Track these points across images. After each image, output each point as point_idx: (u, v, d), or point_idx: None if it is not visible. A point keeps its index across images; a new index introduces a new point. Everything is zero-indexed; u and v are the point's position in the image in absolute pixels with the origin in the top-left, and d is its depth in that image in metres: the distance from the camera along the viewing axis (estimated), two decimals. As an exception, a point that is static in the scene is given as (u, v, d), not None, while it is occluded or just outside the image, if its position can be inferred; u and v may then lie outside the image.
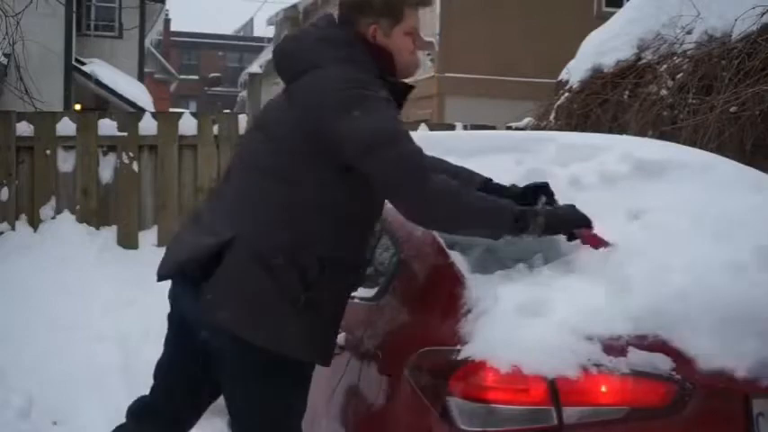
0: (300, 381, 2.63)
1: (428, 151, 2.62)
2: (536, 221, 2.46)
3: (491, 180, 2.76)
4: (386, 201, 2.66)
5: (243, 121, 6.76)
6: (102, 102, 16.72)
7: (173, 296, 2.76)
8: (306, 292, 2.50)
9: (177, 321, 2.76)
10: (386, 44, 2.65)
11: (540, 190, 2.66)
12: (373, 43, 2.63)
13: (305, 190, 2.52)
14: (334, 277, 2.57)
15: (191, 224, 2.78)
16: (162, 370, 2.84)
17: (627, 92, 6.36)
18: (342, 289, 2.64)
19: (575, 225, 2.52)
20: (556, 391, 2.09)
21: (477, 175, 2.78)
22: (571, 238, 2.51)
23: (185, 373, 2.75)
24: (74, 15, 15.43)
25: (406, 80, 2.73)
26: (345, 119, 2.44)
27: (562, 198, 2.66)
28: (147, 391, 2.86)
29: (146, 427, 2.82)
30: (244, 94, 37.67)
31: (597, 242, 2.46)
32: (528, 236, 2.47)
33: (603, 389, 2.10)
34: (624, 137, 4.41)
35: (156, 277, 2.71)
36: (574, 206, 2.56)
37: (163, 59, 36.96)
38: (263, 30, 45.96)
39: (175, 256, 2.67)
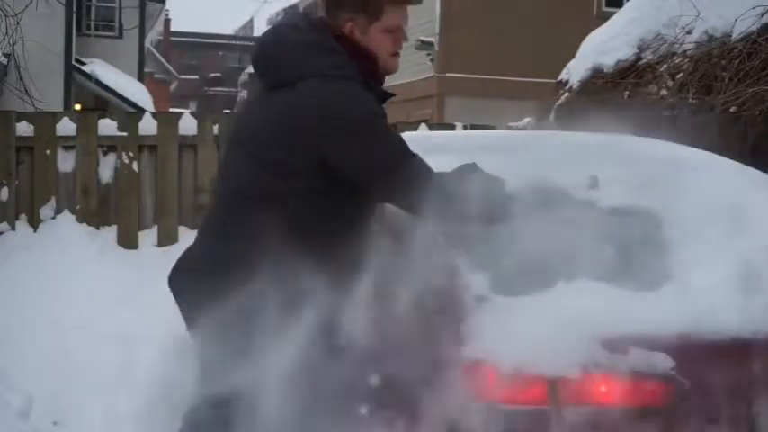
0: None
1: (428, 151, 2.62)
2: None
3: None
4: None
5: (243, 121, 6.76)
6: (102, 102, 16.71)
7: None
8: None
9: None
10: (365, 43, 2.57)
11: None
12: (356, 43, 2.56)
13: (284, 212, 2.46)
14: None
15: (194, 267, 2.72)
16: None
17: (627, 92, 6.35)
18: None
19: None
20: (556, 391, 2.09)
21: None
22: None
23: None
24: (74, 15, 15.43)
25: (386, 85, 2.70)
26: (357, 145, 2.42)
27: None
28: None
29: None
30: (244, 94, 37.69)
31: None
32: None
33: (603, 389, 2.10)
34: (625, 137, 4.41)
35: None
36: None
37: (163, 59, 36.94)
38: (263, 30, 45.85)
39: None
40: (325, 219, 2.50)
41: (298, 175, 2.46)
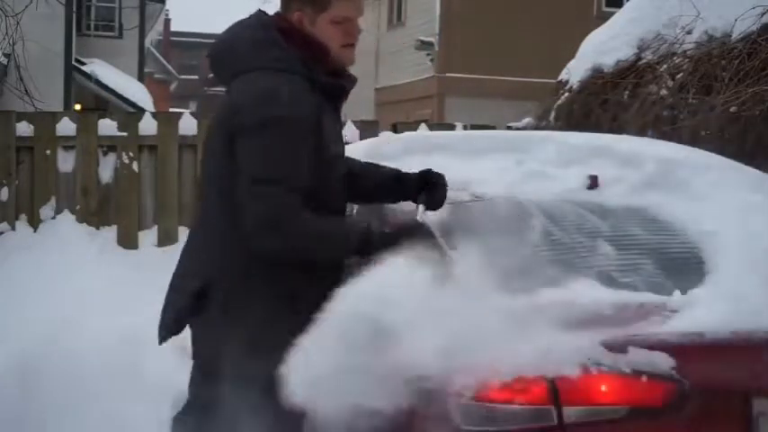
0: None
1: (428, 152, 2.62)
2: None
3: (400, 171, 2.77)
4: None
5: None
6: (102, 102, 16.72)
7: None
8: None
9: None
10: (314, 34, 2.55)
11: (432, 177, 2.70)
12: (305, 34, 2.55)
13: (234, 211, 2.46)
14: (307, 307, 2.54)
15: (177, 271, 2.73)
16: None
17: (627, 92, 6.35)
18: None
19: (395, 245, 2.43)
20: (556, 391, 2.09)
21: (386, 168, 2.80)
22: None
23: None
24: (74, 15, 15.42)
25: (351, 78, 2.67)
26: (251, 137, 2.41)
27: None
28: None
29: None
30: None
31: None
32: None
33: (603, 389, 2.10)
34: (625, 137, 4.41)
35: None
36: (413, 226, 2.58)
37: (163, 59, 36.96)
38: (263, 30, 45.74)
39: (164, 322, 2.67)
40: None
41: (233, 168, 2.47)
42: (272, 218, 2.38)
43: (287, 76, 2.47)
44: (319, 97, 2.52)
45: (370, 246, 2.46)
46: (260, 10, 2.68)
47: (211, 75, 2.70)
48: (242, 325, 2.44)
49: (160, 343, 2.68)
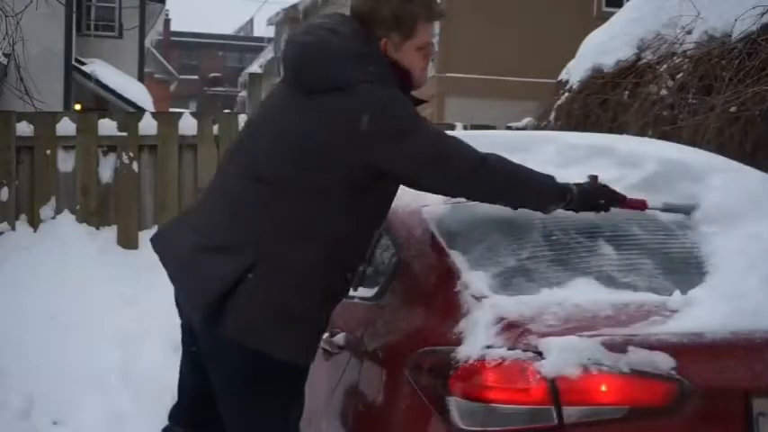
0: (302, 384, 2.64)
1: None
2: (573, 196, 2.60)
3: None
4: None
5: (243, 121, 6.75)
6: (102, 102, 16.71)
7: (179, 304, 2.76)
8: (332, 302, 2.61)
9: (187, 328, 2.76)
10: (397, 59, 2.59)
11: None
12: (390, 58, 2.59)
13: (333, 204, 2.51)
14: (351, 284, 2.68)
15: (195, 239, 2.62)
16: (181, 375, 2.87)
17: (627, 92, 6.35)
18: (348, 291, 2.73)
19: (605, 201, 2.65)
20: (556, 390, 2.09)
21: None
22: (601, 208, 2.66)
23: (198, 377, 2.73)
24: (74, 15, 15.43)
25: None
26: (404, 142, 2.47)
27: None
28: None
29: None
30: (244, 94, 37.72)
31: (640, 205, 2.71)
32: (566, 209, 2.61)
33: (603, 388, 2.11)
34: (625, 137, 4.42)
35: (175, 302, 2.74)
36: (604, 185, 2.69)
37: (163, 59, 36.97)
38: (263, 30, 46.00)
39: (200, 296, 2.52)
40: (361, 207, 2.56)
41: (343, 172, 2.50)
42: (475, 159, 2.55)
43: (394, 89, 2.55)
44: None
45: (566, 197, 2.61)
46: (342, 17, 2.66)
47: (302, 83, 2.59)
48: (283, 299, 2.48)
49: (203, 325, 2.56)
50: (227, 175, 2.71)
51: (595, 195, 2.65)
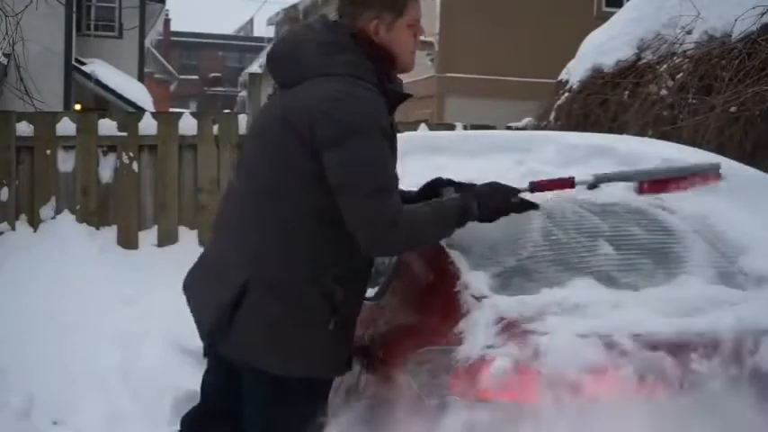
0: (323, 394, 2.63)
1: (428, 152, 2.62)
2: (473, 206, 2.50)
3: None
4: None
5: (243, 121, 6.75)
6: (102, 102, 16.71)
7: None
8: (334, 316, 2.50)
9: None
10: (387, 41, 2.54)
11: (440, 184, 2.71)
12: (375, 42, 2.53)
13: (309, 209, 2.45)
14: (353, 291, 2.58)
15: (205, 270, 2.66)
16: (203, 385, 2.85)
17: (627, 92, 6.36)
18: (359, 298, 2.66)
19: (507, 195, 2.55)
20: (556, 390, 2.09)
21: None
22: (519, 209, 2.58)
23: (220, 388, 2.76)
24: (74, 15, 15.42)
25: (403, 83, 2.67)
26: (339, 148, 2.37)
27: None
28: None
29: None
30: (244, 94, 37.69)
31: (560, 184, 2.66)
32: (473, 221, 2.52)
33: (603, 388, 2.11)
34: (625, 137, 4.42)
35: (185, 297, 2.71)
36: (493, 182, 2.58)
37: (163, 59, 36.95)
38: (263, 30, 45.98)
39: (205, 324, 2.59)
40: (334, 215, 2.46)
41: (305, 170, 2.44)
42: (389, 221, 2.39)
43: (359, 82, 2.45)
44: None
45: (470, 215, 2.50)
46: (323, 15, 2.66)
47: (276, 77, 2.59)
48: (276, 321, 2.46)
49: (206, 354, 2.64)
50: (230, 194, 2.70)
51: (496, 196, 2.55)
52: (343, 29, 2.56)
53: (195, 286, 2.68)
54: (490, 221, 2.54)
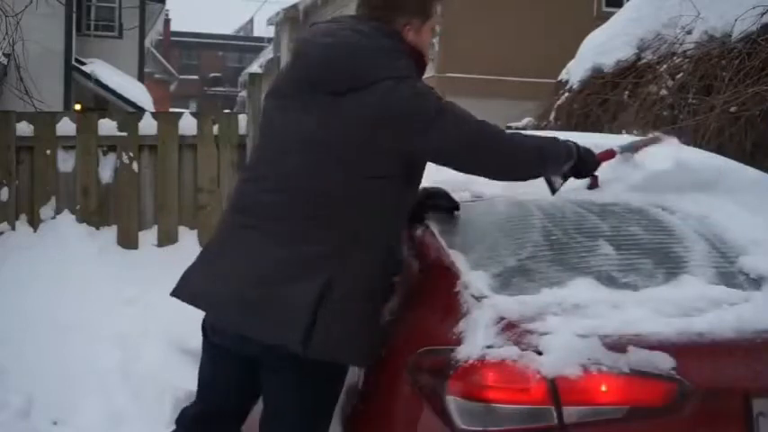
0: (343, 381, 2.68)
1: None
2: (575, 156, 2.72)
3: None
4: None
5: (243, 121, 6.75)
6: (102, 102, 16.72)
7: (213, 326, 2.68)
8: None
9: (219, 345, 2.69)
10: (415, 42, 2.66)
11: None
12: (411, 44, 2.64)
13: (381, 201, 2.54)
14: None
15: (238, 269, 2.54)
16: (206, 385, 2.80)
17: (627, 92, 6.36)
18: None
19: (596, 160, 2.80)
20: (556, 390, 2.09)
21: None
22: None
23: (233, 386, 2.73)
24: (74, 15, 15.44)
25: None
26: (435, 130, 2.50)
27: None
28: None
29: None
30: (244, 94, 37.69)
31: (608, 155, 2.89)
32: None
33: (604, 389, 2.10)
34: (625, 137, 4.41)
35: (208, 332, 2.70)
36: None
37: (163, 59, 36.98)
38: (263, 30, 45.93)
39: (266, 330, 2.47)
40: (400, 202, 2.61)
41: (383, 168, 2.52)
42: (496, 141, 2.61)
43: (416, 81, 2.58)
44: None
45: (571, 157, 2.71)
46: (360, 17, 2.67)
47: (325, 84, 2.54)
48: (364, 316, 2.53)
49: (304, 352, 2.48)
50: (249, 200, 2.63)
51: (591, 161, 2.79)
52: (396, 34, 2.63)
53: (216, 289, 2.57)
54: (576, 175, 2.76)
